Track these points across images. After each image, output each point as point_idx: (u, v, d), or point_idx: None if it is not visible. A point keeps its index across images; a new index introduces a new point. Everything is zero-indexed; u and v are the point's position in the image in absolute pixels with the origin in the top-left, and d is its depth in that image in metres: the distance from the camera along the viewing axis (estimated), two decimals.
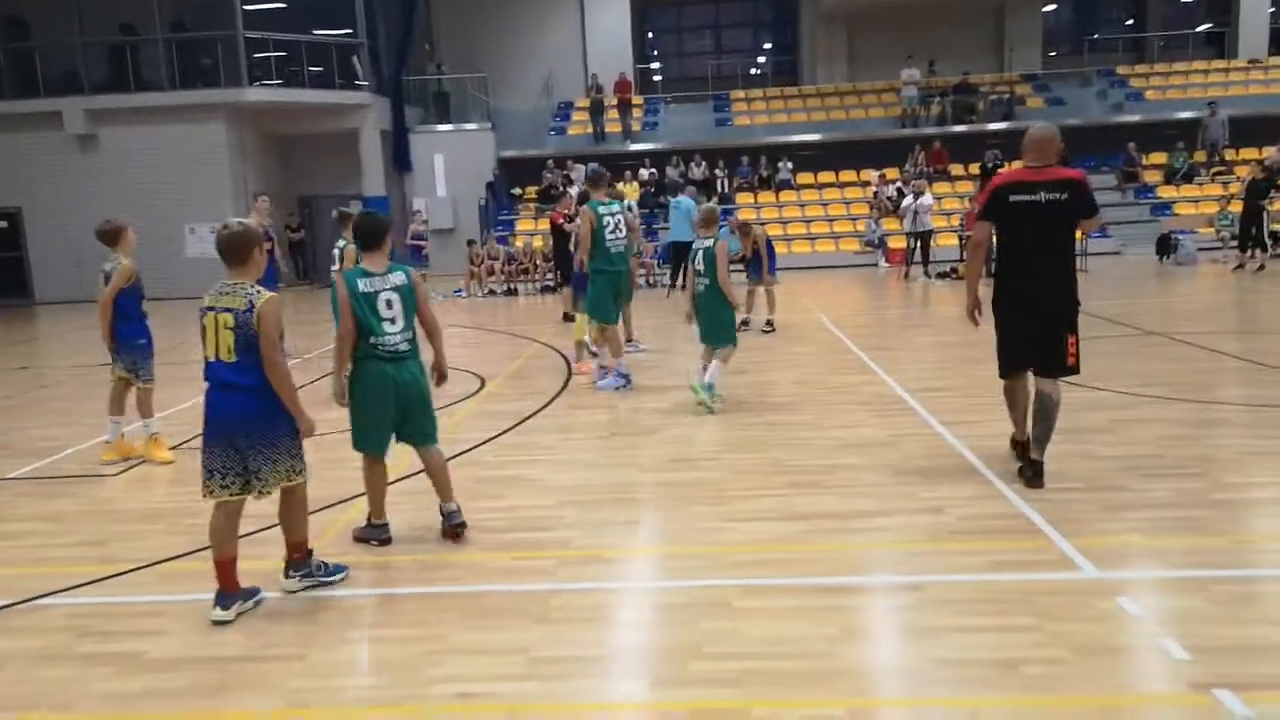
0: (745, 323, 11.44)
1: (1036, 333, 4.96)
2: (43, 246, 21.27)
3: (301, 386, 3.78)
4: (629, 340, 10.29)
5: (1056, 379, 4.99)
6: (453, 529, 4.59)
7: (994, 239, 5.24)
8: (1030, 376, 5.13)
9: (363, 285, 4.31)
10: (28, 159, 20.89)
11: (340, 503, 5.23)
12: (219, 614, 3.77)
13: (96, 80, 21.20)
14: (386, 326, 4.32)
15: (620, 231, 8.05)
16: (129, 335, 6.43)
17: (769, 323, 11.20)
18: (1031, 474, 5.01)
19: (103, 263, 6.40)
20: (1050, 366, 4.96)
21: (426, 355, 4.58)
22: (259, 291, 3.77)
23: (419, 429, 4.54)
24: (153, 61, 21.17)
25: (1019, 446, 5.37)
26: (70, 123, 20.57)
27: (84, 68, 21.10)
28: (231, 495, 3.83)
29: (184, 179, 20.53)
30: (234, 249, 3.81)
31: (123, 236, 6.42)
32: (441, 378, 4.70)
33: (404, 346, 4.39)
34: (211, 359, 3.78)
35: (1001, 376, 5.29)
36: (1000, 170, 21.38)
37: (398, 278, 4.38)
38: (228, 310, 3.72)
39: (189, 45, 21.51)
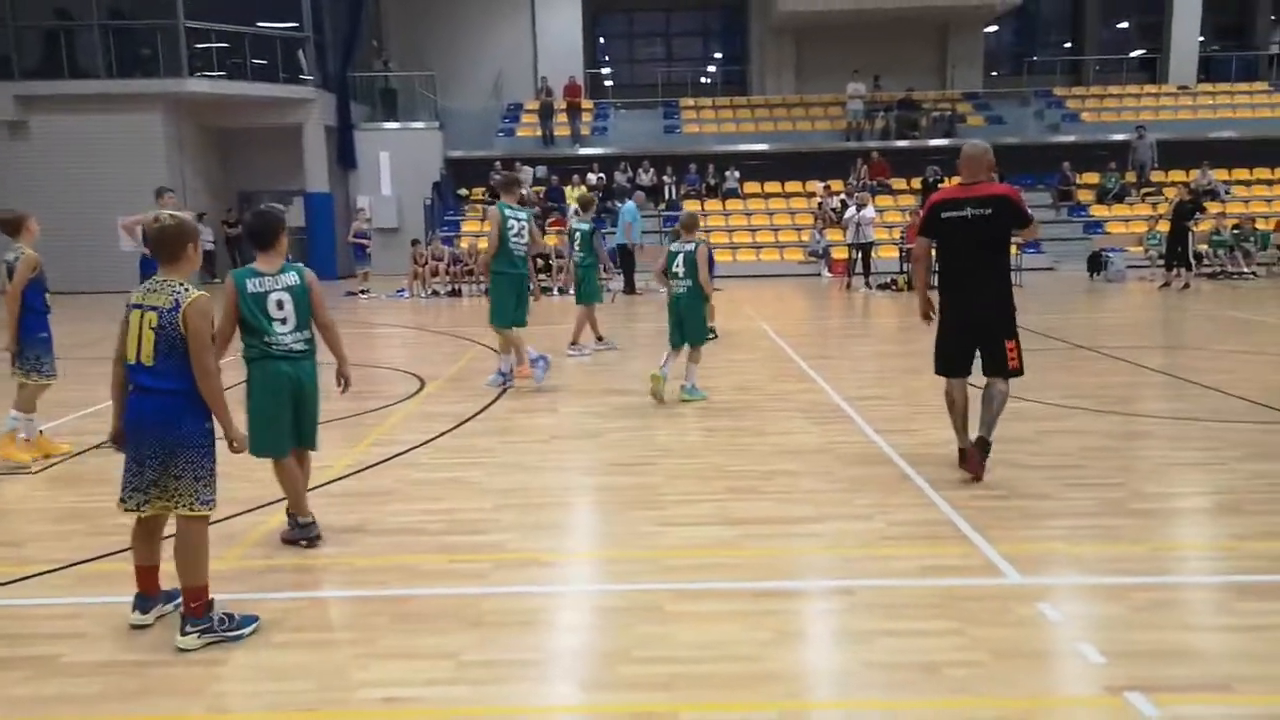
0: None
1: (971, 342, 5.28)
2: None
3: (229, 387, 3.65)
4: (599, 339, 10.65)
5: (1006, 378, 5.29)
6: (308, 540, 4.47)
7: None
8: (964, 383, 5.44)
9: (251, 285, 4.23)
10: None
11: (272, 503, 5.12)
12: (137, 618, 3.64)
13: (28, 66, 20.54)
14: (277, 327, 4.25)
15: (524, 236, 8.21)
16: (33, 329, 6.23)
17: (710, 329, 11.25)
18: (978, 449, 5.32)
19: (4, 253, 6.22)
20: (995, 368, 5.27)
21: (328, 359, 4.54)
22: (186, 290, 3.46)
23: (307, 432, 4.47)
24: (89, 48, 20.59)
25: (962, 456, 5.43)
26: None
27: (15, 52, 20.42)
28: (128, 510, 3.52)
29: (119, 170, 19.96)
30: (165, 244, 3.52)
31: (25, 226, 6.24)
32: (345, 382, 4.64)
33: (299, 346, 4.32)
34: (130, 361, 3.46)
35: (937, 373, 5.54)
36: (940, 186, 21.87)
37: (290, 278, 4.28)
38: (153, 309, 3.43)
39: (127, 33, 20.96)
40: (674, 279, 7.58)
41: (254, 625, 3.61)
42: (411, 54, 26.28)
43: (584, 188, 22.74)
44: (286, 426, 4.37)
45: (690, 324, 7.66)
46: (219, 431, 3.57)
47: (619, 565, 4.32)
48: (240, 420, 3.96)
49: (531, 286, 8.57)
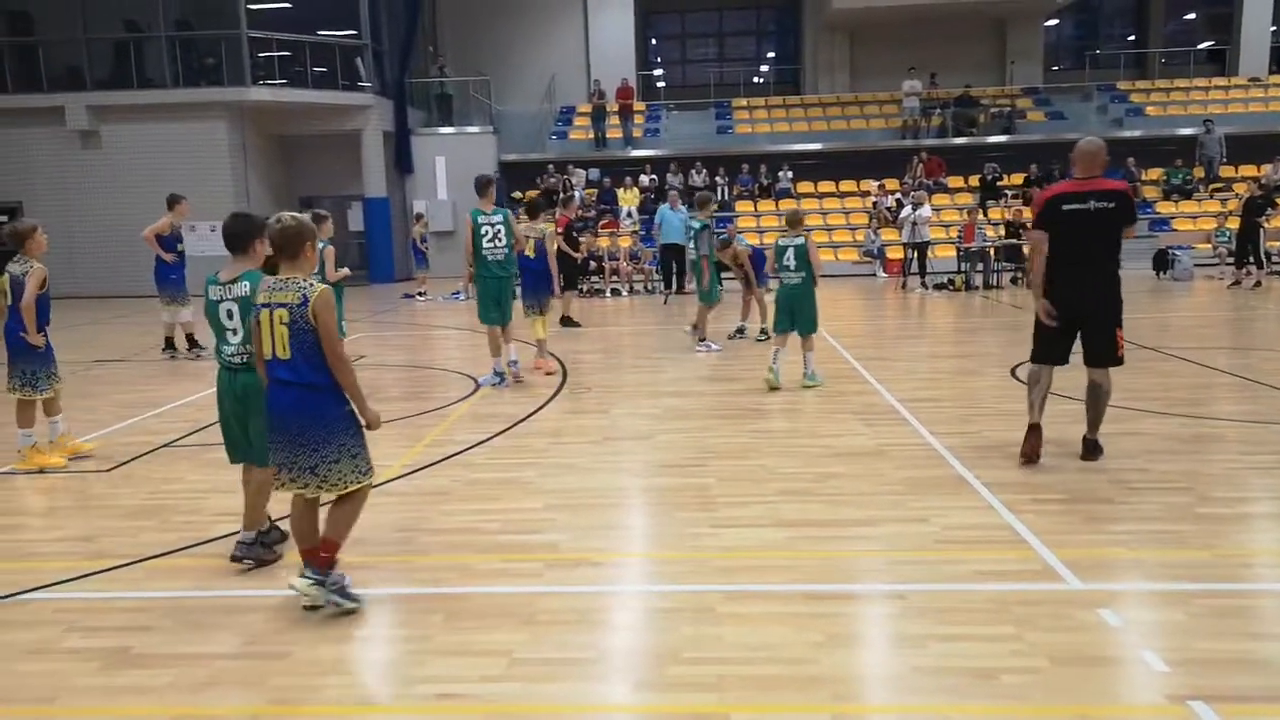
0: (741, 330, 11.48)
1: (1075, 331, 5.51)
2: None
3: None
4: (701, 340, 10.71)
5: (1107, 369, 5.54)
6: (235, 558, 4.30)
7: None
8: (1054, 370, 5.70)
9: (212, 293, 4.20)
10: (30, 154, 20.93)
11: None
12: (308, 589, 3.84)
13: (100, 77, 21.24)
14: (229, 337, 4.18)
15: (500, 240, 8.32)
16: (28, 344, 6.14)
17: (763, 331, 11.22)
18: (1085, 450, 5.72)
19: (10, 265, 6.14)
20: (1100, 357, 5.52)
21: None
22: (311, 285, 3.67)
23: (256, 448, 4.19)
24: (156, 59, 21.20)
25: (1033, 432, 5.67)
26: (72, 119, 20.62)
27: (88, 64, 21.14)
28: (301, 489, 3.78)
29: (185, 177, 20.42)
30: (287, 243, 3.74)
31: (32, 238, 6.14)
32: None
33: (238, 360, 4.18)
34: (268, 357, 3.72)
35: (1035, 361, 5.72)
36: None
37: (241, 288, 4.13)
38: (282, 305, 3.64)
39: (193, 43, 21.55)
40: (785, 271, 8.18)
41: (357, 605, 3.85)
42: (467, 59, 26.60)
43: (636, 189, 22.83)
44: (235, 436, 4.31)
45: (803, 314, 8.17)
46: None
47: (670, 566, 4.33)
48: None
49: (552, 286, 9.13)
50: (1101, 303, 5.45)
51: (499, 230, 8.30)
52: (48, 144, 20.88)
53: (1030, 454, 5.60)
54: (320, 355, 3.67)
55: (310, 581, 3.78)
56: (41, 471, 6.18)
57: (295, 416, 3.70)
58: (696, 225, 10.67)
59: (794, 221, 8.43)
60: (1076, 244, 5.40)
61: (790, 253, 8.14)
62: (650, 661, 3.38)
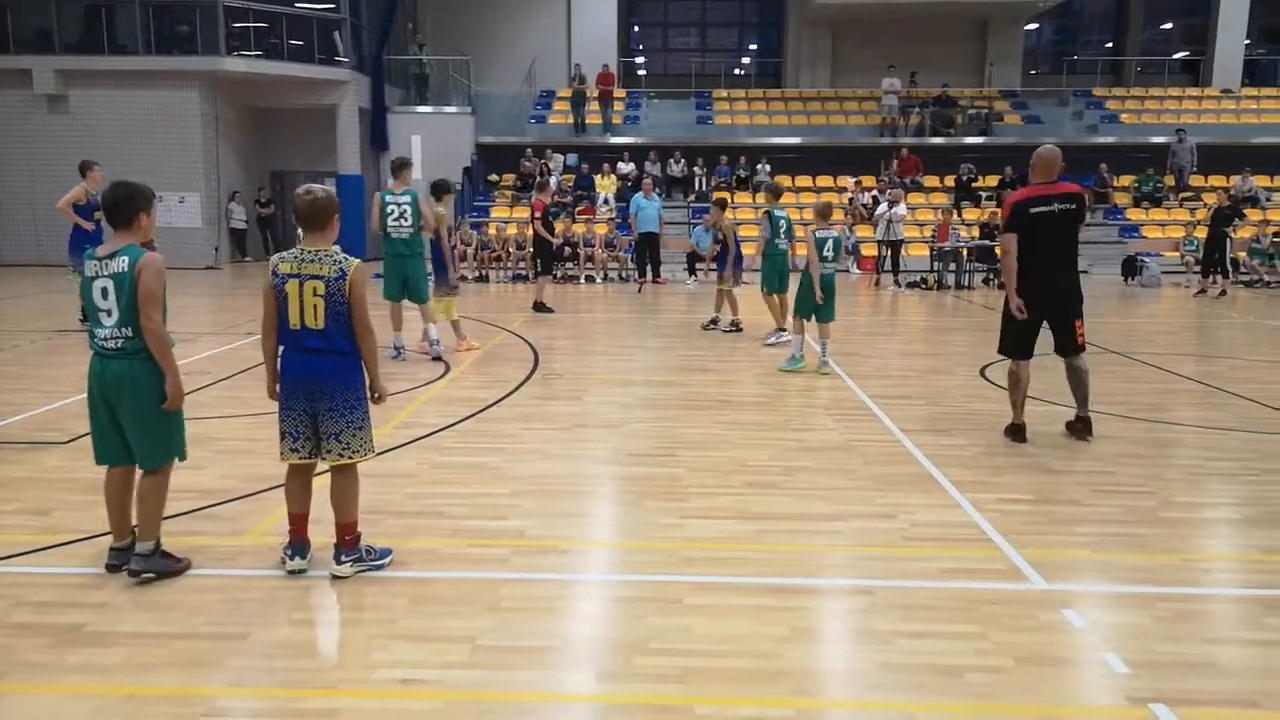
0: (714, 321, 11.46)
1: (1057, 324, 5.99)
2: (5, 207, 20.81)
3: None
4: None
5: (1079, 354, 6.06)
6: (134, 571, 3.86)
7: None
8: (1029, 364, 6.12)
9: (88, 269, 3.79)
10: None
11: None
12: (299, 564, 3.95)
13: (69, 40, 20.76)
14: (103, 319, 3.75)
15: (405, 220, 8.74)
16: None
17: (733, 323, 11.21)
18: (1081, 427, 6.16)
19: None
20: (1070, 346, 6.04)
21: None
22: (346, 258, 3.78)
23: (133, 445, 3.85)
24: (129, 24, 20.73)
25: (1015, 430, 6.17)
26: (40, 82, 20.13)
27: (57, 27, 20.64)
28: (301, 459, 3.87)
29: (155, 146, 20.16)
30: (316, 215, 3.79)
31: None
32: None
33: (113, 344, 3.75)
34: (296, 326, 3.75)
35: (1010, 356, 6.12)
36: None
37: (119, 263, 3.72)
38: (316, 278, 3.71)
39: (167, 10, 21.10)
40: (826, 261, 8.56)
41: (389, 557, 4.06)
42: (448, 39, 26.31)
43: (614, 176, 22.72)
44: (104, 433, 3.86)
45: (832, 303, 8.68)
46: None
47: (637, 556, 4.30)
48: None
49: (447, 266, 9.48)
50: (1070, 296, 5.96)
51: (405, 210, 8.73)
52: (14, 107, 20.38)
53: (1019, 436, 6.14)
54: (350, 325, 3.82)
55: (350, 563, 3.93)
56: None
57: (330, 381, 3.81)
58: (779, 214, 10.60)
59: (826, 213, 8.86)
60: (1046, 244, 5.85)
61: (830, 243, 8.59)
62: (616, 651, 3.35)
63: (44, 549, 4.24)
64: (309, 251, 3.78)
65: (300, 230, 3.90)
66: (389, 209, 8.75)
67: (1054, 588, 3.90)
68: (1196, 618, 3.69)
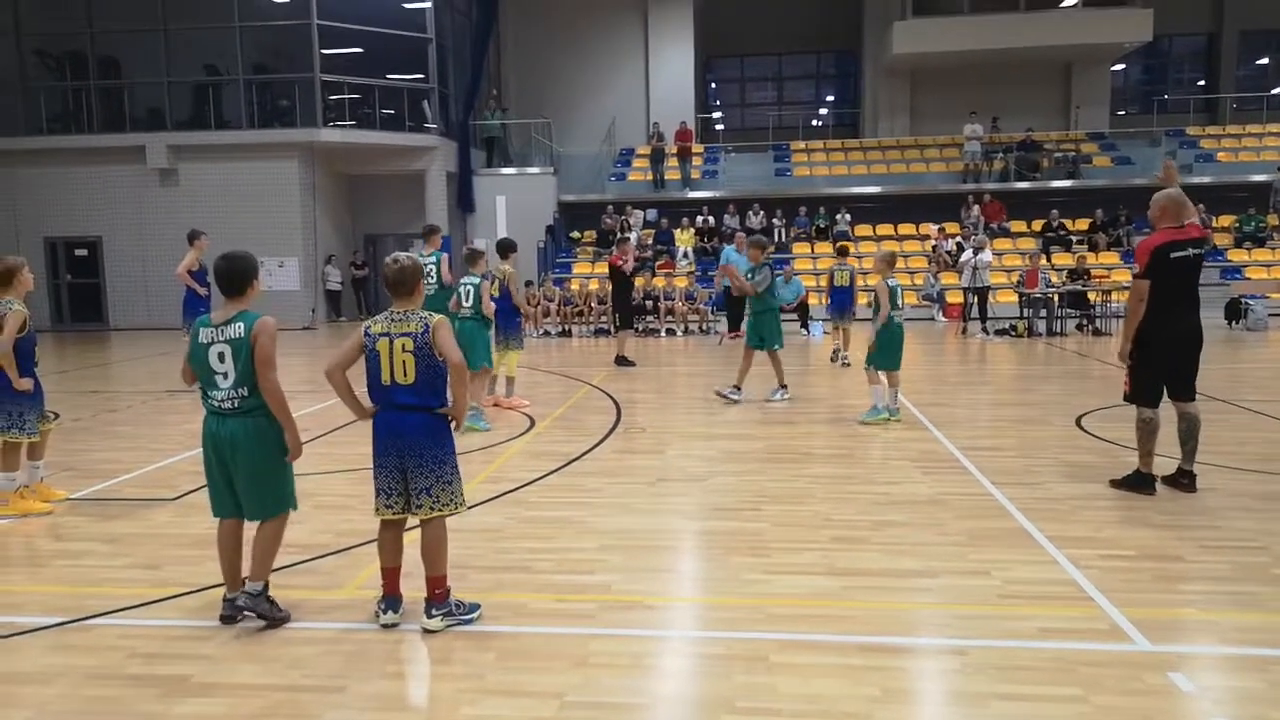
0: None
1: (1186, 365, 5.97)
2: (119, 275, 22.14)
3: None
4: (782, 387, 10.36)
5: (1194, 399, 6.01)
6: (231, 610, 4.13)
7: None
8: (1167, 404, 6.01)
9: (202, 335, 4.05)
10: (111, 191, 21.85)
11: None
12: (391, 618, 4.08)
13: (179, 118, 22.15)
14: (219, 381, 4.00)
15: (431, 277, 10.01)
16: (11, 385, 5.86)
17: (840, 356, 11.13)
18: (1188, 482, 6.01)
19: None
20: (1188, 391, 6.00)
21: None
22: (430, 315, 4.02)
23: (244, 498, 4.09)
24: (234, 101, 22.07)
25: (1144, 480, 6.01)
26: (153, 157, 21.49)
27: (169, 106, 22.07)
28: (395, 514, 4.06)
29: (257, 214, 21.26)
30: (405, 281, 4.07)
31: (16, 277, 5.90)
32: (287, 452, 4.10)
33: (229, 404, 4.00)
34: (387, 383, 3.98)
35: (1143, 404, 5.99)
36: (1059, 227, 21.24)
37: (235, 329, 3.99)
38: (406, 335, 3.95)
39: (268, 87, 22.40)
40: (896, 311, 8.52)
41: (478, 612, 4.15)
42: (529, 102, 27.18)
43: (692, 230, 22.94)
44: (218, 488, 4.11)
45: (901, 350, 8.66)
46: None
47: (724, 612, 4.28)
48: None
49: (519, 322, 9.93)
50: (1200, 338, 5.98)
51: (431, 269, 10.10)
52: (128, 181, 21.77)
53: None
54: (440, 381, 4.01)
55: (440, 617, 4.04)
56: (24, 517, 5.94)
57: (420, 437, 3.99)
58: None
59: (892, 262, 8.79)
60: (1184, 288, 5.89)
61: (899, 292, 8.61)
62: (702, 710, 3.33)
63: (154, 602, 4.45)
64: (398, 313, 4.04)
65: (391, 295, 4.13)
66: (425, 269, 9.47)
67: (1159, 649, 3.73)
68: None
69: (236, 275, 4.07)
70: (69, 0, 21.75)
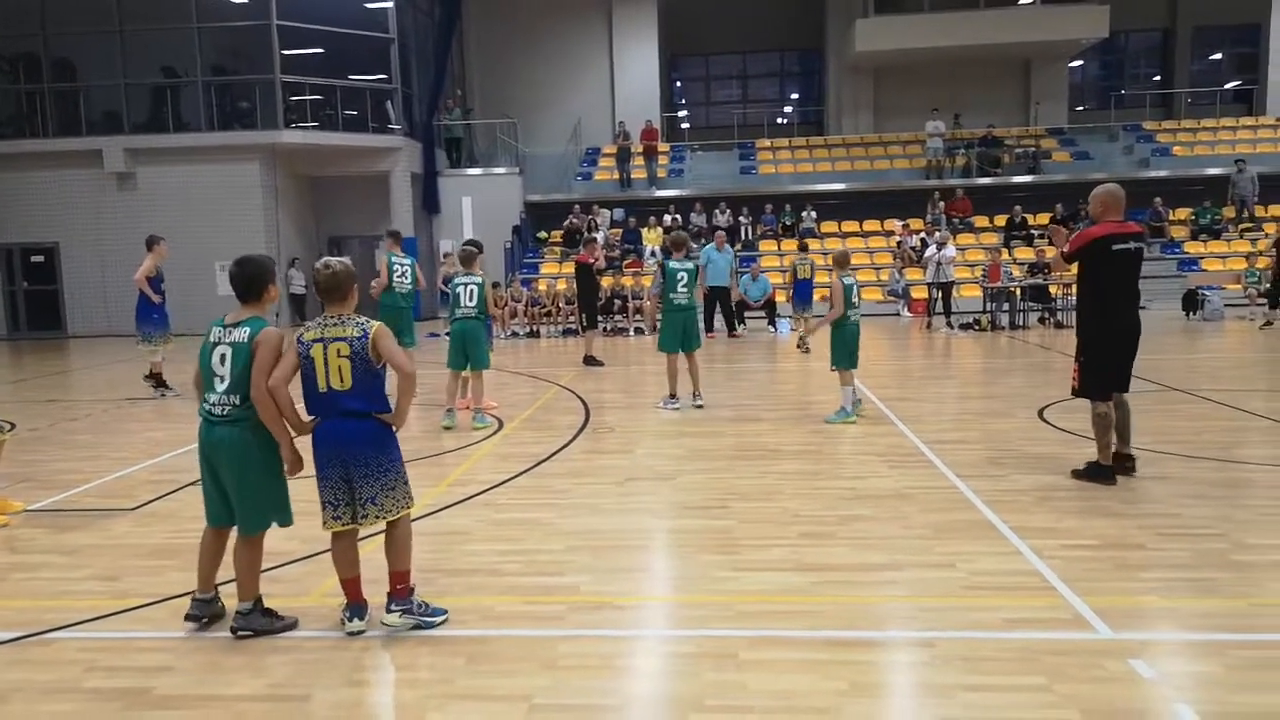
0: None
1: (1128, 360, 6.14)
2: (78, 281, 21.75)
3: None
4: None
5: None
6: (198, 610, 4.13)
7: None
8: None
9: (212, 334, 4.01)
10: (67, 196, 21.46)
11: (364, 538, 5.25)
12: (358, 625, 4.01)
13: (137, 120, 21.79)
14: (215, 384, 3.96)
15: (406, 278, 10.32)
16: None
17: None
18: (1130, 465, 6.20)
19: None
20: (1127, 384, 6.19)
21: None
22: (367, 320, 3.92)
23: (236, 508, 4.02)
24: (192, 103, 21.74)
25: (1105, 471, 6.10)
26: (110, 161, 21.13)
27: (126, 108, 21.70)
28: (344, 525, 3.96)
29: (218, 218, 20.98)
30: (337, 287, 3.93)
31: None
32: (279, 465, 4.04)
33: (219, 410, 3.94)
34: (324, 390, 3.86)
35: (1095, 398, 6.07)
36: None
37: (240, 333, 3.94)
38: (341, 340, 3.84)
39: (228, 88, 22.10)
40: (852, 309, 8.46)
41: (443, 617, 4.08)
42: (494, 102, 27.07)
43: (660, 229, 22.97)
44: (210, 495, 4.07)
45: (858, 349, 8.59)
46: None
47: (692, 610, 4.29)
48: None
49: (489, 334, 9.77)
50: (1138, 334, 6.11)
51: (407, 269, 10.39)
52: (85, 186, 21.41)
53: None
54: (378, 386, 3.92)
55: (400, 614, 4.00)
56: None
57: (363, 445, 3.88)
58: (692, 268, 9.58)
59: (845, 261, 8.76)
60: (1126, 282, 5.99)
61: (856, 290, 8.58)
62: (673, 709, 3.33)
63: (114, 614, 4.37)
64: (333, 318, 3.91)
65: (324, 300, 3.99)
66: (394, 267, 10.22)
67: (1121, 636, 3.79)
68: (1273, 666, 3.56)
69: (249, 280, 4.03)
70: (21, 2, 21.32)
